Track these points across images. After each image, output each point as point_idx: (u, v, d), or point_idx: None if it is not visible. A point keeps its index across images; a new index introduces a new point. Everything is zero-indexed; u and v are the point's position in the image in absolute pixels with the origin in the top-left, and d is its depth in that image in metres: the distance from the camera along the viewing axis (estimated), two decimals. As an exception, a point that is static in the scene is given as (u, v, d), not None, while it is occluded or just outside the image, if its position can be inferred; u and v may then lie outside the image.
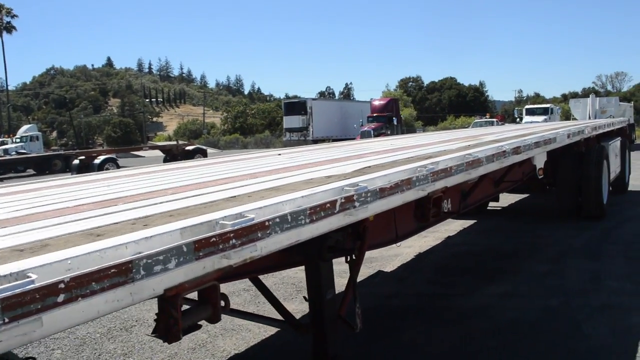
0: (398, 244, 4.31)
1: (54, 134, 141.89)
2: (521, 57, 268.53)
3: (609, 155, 9.27)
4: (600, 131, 8.38)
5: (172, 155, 29.88)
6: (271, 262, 2.93)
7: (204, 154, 29.59)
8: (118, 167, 26.10)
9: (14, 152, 40.44)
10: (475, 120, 38.19)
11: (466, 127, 39.26)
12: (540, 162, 5.75)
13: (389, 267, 6.80)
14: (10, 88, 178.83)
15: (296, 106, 40.55)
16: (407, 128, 65.78)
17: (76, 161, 26.21)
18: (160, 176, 4.08)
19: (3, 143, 48.42)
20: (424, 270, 6.61)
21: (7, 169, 34.51)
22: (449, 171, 3.21)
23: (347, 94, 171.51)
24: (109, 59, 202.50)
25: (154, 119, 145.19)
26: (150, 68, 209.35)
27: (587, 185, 8.21)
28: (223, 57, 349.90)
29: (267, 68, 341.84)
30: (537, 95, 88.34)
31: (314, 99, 40.92)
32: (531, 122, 29.97)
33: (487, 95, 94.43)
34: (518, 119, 33.06)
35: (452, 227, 8.85)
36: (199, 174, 3.77)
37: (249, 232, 1.77)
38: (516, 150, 4.23)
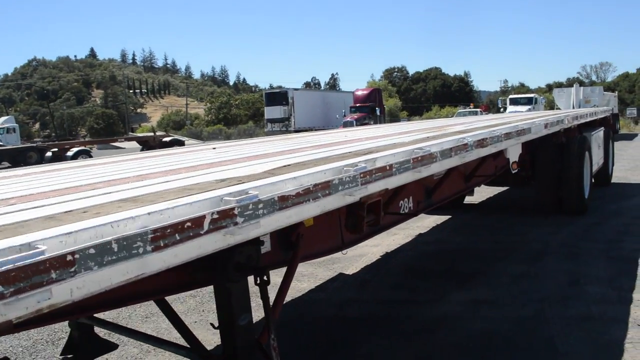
0: (344, 251, 3.72)
1: (37, 125, 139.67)
2: (506, 48, 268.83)
3: (592, 146, 8.76)
4: (582, 121, 7.85)
5: (149, 146, 29.05)
6: (162, 284, 2.33)
7: (181, 146, 28.82)
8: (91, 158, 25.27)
9: (-10, 145, 39.31)
10: (459, 110, 37.71)
11: (450, 118, 38.85)
12: (514, 155, 5.18)
13: (352, 269, 6.23)
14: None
15: (277, 96, 39.73)
16: (391, 118, 65.37)
17: (49, 154, 25.38)
18: None
19: (-21, 135, 47.25)
20: (389, 273, 6.04)
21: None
22: (389, 170, 2.61)
23: (332, 84, 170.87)
24: (92, 49, 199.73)
25: (138, 110, 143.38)
26: (134, 59, 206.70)
27: (568, 179, 7.69)
28: (208, 48, 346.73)
29: (253, 59, 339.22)
30: (522, 85, 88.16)
31: (295, 89, 40.09)
32: (514, 112, 29.59)
33: (472, 86, 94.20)
34: (502, 109, 32.64)
35: (424, 223, 8.30)
36: (61, 179, 3.11)
37: (35, 272, 1.16)
38: (481, 143, 3.64)
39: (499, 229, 7.61)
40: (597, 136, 9.38)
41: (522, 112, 30.28)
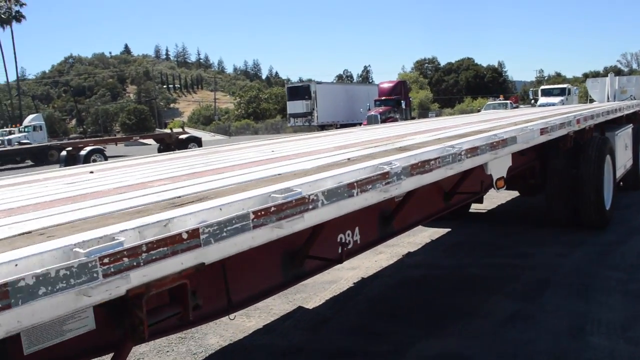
0: (231, 316, 2.76)
1: (73, 122, 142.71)
2: (543, 35, 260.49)
3: (616, 148, 7.53)
4: (598, 120, 6.63)
5: (166, 144, 28.64)
6: None
7: (198, 143, 28.25)
8: (105, 158, 24.92)
9: (16, 143, 39.70)
10: (488, 103, 36.02)
11: (469, 114, 37.21)
12: (499, 169, 4.11)
13: (314, 302, 5.26)
14: (30, 77, 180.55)
15: (300, 90, 38.85)
16: (421, 111, 63.70)
17: (63, 153, 25.10)
18: None
19: (10, 132, 47.89)
20: (354, 309, 5.04)
21: (6, 160, 33.71)
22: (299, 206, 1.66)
23: (365, 76, 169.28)
24: (126, 46, 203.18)
25: (171, 105, 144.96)
26: (167, 54, 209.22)
27: (584, 188, 6.51)
28: (240, 42, 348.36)
29: (285, 52, 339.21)
30: (558, 74, 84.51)
31: (318, 83, 39.06)
32: (546, 104, 27.92)
33: (506, 76, 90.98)
34: (533, 101, 30.91)
35: (418, 238, 7.25)
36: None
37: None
38: (420, 169, 2.60)
39: (500, 248, 6.49)
40: (624, 135, 8.11)
41: (554, 103, 28.58)
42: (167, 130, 32.18)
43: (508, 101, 34.77)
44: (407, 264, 6.23)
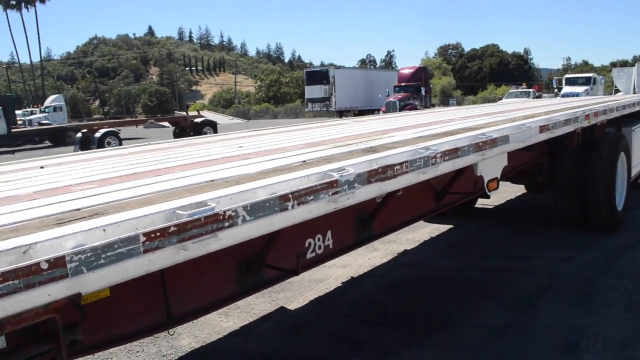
0: (171, 331, 2.52)
1: (97, 102, 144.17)
2: (571, 22, 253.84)
3: (632, 145, 7.09)
4: (614, 114, 6.19)
5: (181, 127, 28.56)
6: None
7: (213, 127, 28.12)
8: (120, 140, 24.94)
9: (36, 123, 40.11)
10: (510, 91, 35.15)
11: (502, 98, 36.32)
12: (491, 170, 3.77)
13: (298, 302, 5.01)
14: (55, 57, 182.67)
15: (318, 75, 38.38)
16: (443, 98, 62.69)
17: (79, 135, 25.16)
18: None
19: (32, 113, 48.44)
20: (338, 311, 4.78)
21: (25, 140, 34.05)
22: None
23: (388, 61, 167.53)
24: (150, 27, 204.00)
25: (193, 88, 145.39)
26: (190, 36, 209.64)
27: (594, 188, 6.11)
28: (264, 25, 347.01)
29: (308, 36, 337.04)
30: (585, 63, 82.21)
31: (337, 68, 38.53)
32: (570, 93, 27.10)
33: (532, 63, 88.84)
34: (556, 90, 30.03)
35: (417, 235, 6.94)
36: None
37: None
38: (380, 175, 2.31)
39: (502, 249, 6.15)
40: (643, 131, 7.63)
41: (578, 93, 27.72)
42: (183, 113, 32.05)
43: (531, 90, 33.88)
44: (402, 263, 5.93)
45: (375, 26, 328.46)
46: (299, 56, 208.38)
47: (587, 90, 27.95)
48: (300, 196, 1.92)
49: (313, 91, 38.08)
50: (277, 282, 2.90)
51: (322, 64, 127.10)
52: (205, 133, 27.49)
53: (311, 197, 1.96)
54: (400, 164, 2.44)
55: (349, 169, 2.19)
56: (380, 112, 35.50)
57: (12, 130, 31.10)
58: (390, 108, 34.13)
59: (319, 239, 3.22)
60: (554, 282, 5.01)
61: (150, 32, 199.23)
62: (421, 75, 37.09)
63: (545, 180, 6.53)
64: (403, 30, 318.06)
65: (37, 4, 69.07)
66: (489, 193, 3.87)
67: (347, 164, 2.25)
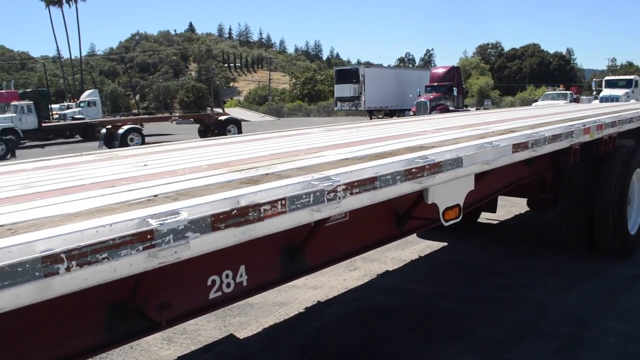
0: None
1: (137, 97, 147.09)
2: (618, 21, 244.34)
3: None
4: (627, 127, 5.44)
5: (206, 125, 28.44)
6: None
7: (237, 125, 27.89)
8: (142, 137, 24.97)
9: (70, 118, 40.85)
10: (547, 93, 33.70)
11: (537, 100, 34.93)
12: (449, 196, 3.18)
13: (252, 328, 4.52)
14: (99, 53, 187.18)
15: (347, 74, 37.73)
16: (480, 99, 61.07)
17: (104, 130, 25.32)
18: None
19: (68, 107, 49.47)
20: (288, 344, 4.25)
21: (57, 135, 34.65)
22: None
23: (428, 60, 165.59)
24: (190, 24, 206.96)
25: (230, 84, 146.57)
26: (230, 33, 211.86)
27: (602, 209, 5.40)
28: (303, 23, 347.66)
29: (347, 33, 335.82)
30: (630, 64, 78.55)
31: (367, 66, 37.80)
32: (609, 96, 25.74)
33: (575, 64, 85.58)
34: (595, 92, 28.59)
35: (405, 253, 6.36)
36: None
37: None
38: (232, 219, 1.78)
39: (492, 274, 5.49)
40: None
41: (618, 95, 26.28)
42: (219, 110, 31.94)
43: (568, 92, 32.38)
44: (377, 287, 5.36)
45: (415, 24, 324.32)
46: (337, 54, 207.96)
47: (627, 93, 26.44)
48: (80, 256, 1.42)
49: (342, 90, 37.49)
50: (154, 331, 2.41)
51: (358, 62, 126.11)
52: (230, 131, 27.29)
53: (99, 257, 1.46)
54: (273, 202, 1.91)
55: (183, 212, 1.67)
56: (410, 112, 34.68)
57: (43, 124, 31.60)
58: (420, 108, 33.26)
59: (227, 276, 2.72)
60: (540, 320, 4.35)
61: (191, 28, 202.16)
62: (454, 75, 36.05)
63: (548, 198, 5.84)
64: (443, 29, 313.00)
65: (79, 1, 70.55)
66: (445, 224, 3.27)
67: (186, 205, 1.73)
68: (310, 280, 5.56)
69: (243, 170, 2.52)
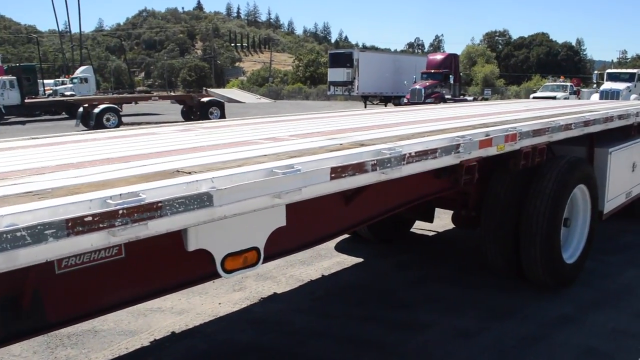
0: None
1: (142, 74, 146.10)
2: (630, 13, 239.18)
3: (609, 171, 5.34)
4: (557, 136, 4.42)
5: (188, 106, 27.47)
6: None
7: (220, 108, 26.88)
8: (119, 117, 24.06)
9: (60, 94, 39.96)
10: (546, 84, 32.42)
11: (536, 92, 33.70)
12: (231, 240, 2.26)
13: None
14: (106, 28, 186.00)
15: (341, 58, 36.50)
16: (483, 88, 59.59)
17: (80, 109, 24.44)
18: None
19: (63, 83, 48.55)
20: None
21: (44, 111, 33.75)
22: None
23: (437, 46, 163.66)
24: (198, 2, 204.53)
25: (236, 64, 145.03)
26: (238, 12, 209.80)
27: (528, 234, 4.45)
28: (312, 3, 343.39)
29: (357, 16, 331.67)
30: (639, 57, 76.28)
31: (361, 50, 36.57)
32: (610, 90, 24.56)
33: (584, 55, 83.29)
34: (595, 85, 27.35)
35: (310, 270, 5.47)
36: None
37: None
38: None
39: (392, 306, 4.55)
40: (629, 152, 5.83)
41: (618, 90, 25.07)
42: (205, 91, 30.85)
43: (568, 83, 31.06)
44: (250, 317, 4.44)
45: (425, 9, 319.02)
46: (346, 37, 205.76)
47: (629, 87, 25.17)
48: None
49: (336, 74, 36.33)
50: None
51: (363, 46, 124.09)
52: (212, 114, 26.34)
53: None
54: None
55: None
56: (405, 99, 33.53)
57: (26, 101, 30.74)
58: (414, 95, 32.18)
59: None
60: (419, 379, 3.44)
61: (199, 6, 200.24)
62: (451, 62, 34.84)
63: (471, 216, 4.89)
64: (453, 14, 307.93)
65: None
66: (225, 275, 2.35)
67: None
68: (182, 302, 4.69)
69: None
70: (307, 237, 2.95)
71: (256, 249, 2.40)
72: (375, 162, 2.53)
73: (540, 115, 4.93)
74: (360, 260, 5.71)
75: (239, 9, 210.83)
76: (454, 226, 5.54)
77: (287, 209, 2.43)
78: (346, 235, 6.39)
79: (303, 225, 2.68)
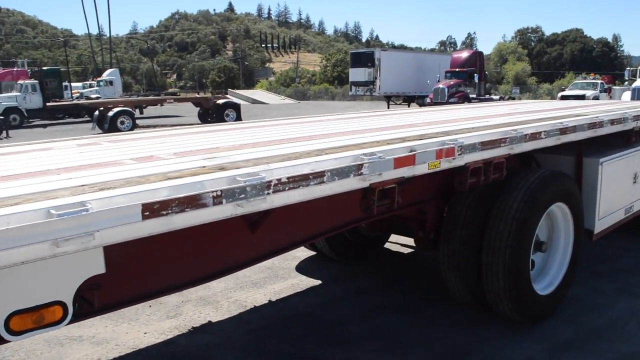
0: None
1: (174, 76, 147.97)
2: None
3: (599, 185, 4.65)
4: (520, 148, 3.75)
5: (204, 108, 27.27)
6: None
7: (236, 110, 26.58)
8: (134, 120, 24.02)
9: (85, 97, 40.40)
10: (575, 81, 31.05)
11: (565, 90, 32.35)
12: (27, 293, 1.75)
13: None
14: (140, 31, 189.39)
15: (362, 57, 35.81)
16: (516, 85, 57.92)
17: (96, 113, 24.52)
18: None
19: (90, 86, 49.20)
20: None
21: (67, 114, 34.10)
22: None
23: (469, 43, 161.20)
24: (230, 3, 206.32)
25: (266, 65, 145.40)
26: (269, 13, 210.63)
27: (490, 259, 3.82)
28: (343, 3, 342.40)
29: (388, 16, 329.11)
30: (681, 51, 72.91)
31: (383, 49, 35.77)
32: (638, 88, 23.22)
33: (621, 51, 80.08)
34: (627, 82, 25.98)
35: (259, 293, 4.95)
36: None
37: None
38: None
39: (331, 342, 3.98)
40: (625, 162, 5.10)
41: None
42: (206, 95, 30.65)
43: (599, 81, 29.65)
44: (169, 352, 3.92)
45: (457, 6, 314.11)
46: (377, 36, 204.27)
47: (662, 84, 23.72)
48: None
49: (357, 74, 35.66)
50: None
51: (392, 45, 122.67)
52: (228, 116, 26.07)
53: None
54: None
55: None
56: (428, 99, 32.63)
57: (48, 104, 31.13)
58: (438, 95, 31.32)
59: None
60: None
61: (230, 8, 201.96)
62: (476, 60, 33.77)
63: (429, 238, 4.28)
64: (485, 12, 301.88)
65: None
66: (12, 338, 1.84)
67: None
68: (107, 330, 4.24)
69: None
70: (154, 284, 2.42)
71: (61, 303, 1.89)
72: (218, 193, 1.99)
73: (507, 122, 4.26)
74: (318, 282, 5.15)
75: (269, 9, 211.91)
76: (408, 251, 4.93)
77: (105, 251, 1.92)
78: (312, 253, 5.85)
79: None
